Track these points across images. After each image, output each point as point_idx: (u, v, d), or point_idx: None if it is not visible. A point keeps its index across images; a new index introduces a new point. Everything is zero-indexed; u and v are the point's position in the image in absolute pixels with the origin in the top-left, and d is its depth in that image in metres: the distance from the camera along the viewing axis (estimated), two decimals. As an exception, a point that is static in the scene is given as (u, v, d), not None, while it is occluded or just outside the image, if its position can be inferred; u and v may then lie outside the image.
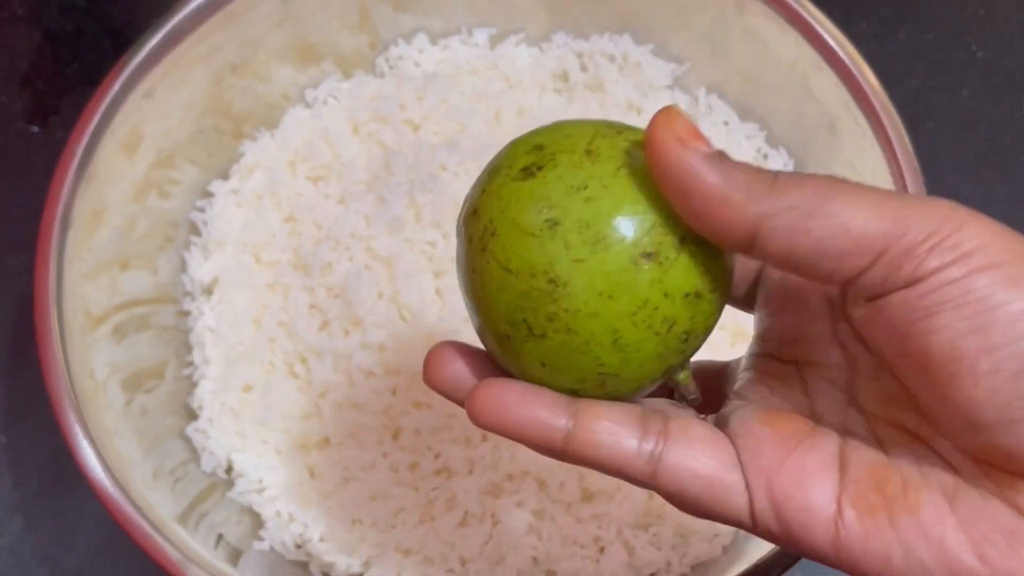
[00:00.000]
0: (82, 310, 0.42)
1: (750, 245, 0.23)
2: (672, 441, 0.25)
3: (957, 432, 0.23)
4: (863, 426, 0.25)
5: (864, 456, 0.25)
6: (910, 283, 0.22)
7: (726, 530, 0.43)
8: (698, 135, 0.23)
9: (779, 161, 0.50)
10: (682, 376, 0.27)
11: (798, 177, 0.23)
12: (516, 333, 0.25)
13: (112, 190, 0.44)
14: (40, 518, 0.49)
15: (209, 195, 0.50)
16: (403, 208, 0.45)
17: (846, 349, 0.26)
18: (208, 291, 0.49)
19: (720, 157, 0.23)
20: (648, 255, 0.24)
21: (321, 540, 0.45)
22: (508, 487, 0.43)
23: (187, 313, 0.49)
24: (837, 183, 0.22)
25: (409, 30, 0.52)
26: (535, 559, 0.43)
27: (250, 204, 0.50)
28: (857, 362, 0.26)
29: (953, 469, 0.24)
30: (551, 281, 0.24)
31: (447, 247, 0.44)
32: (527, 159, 0.25)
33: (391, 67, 0.52)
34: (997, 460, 0.23)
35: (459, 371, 0.27)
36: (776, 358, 0.28)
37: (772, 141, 0.50)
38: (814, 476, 0.24)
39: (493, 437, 0.43)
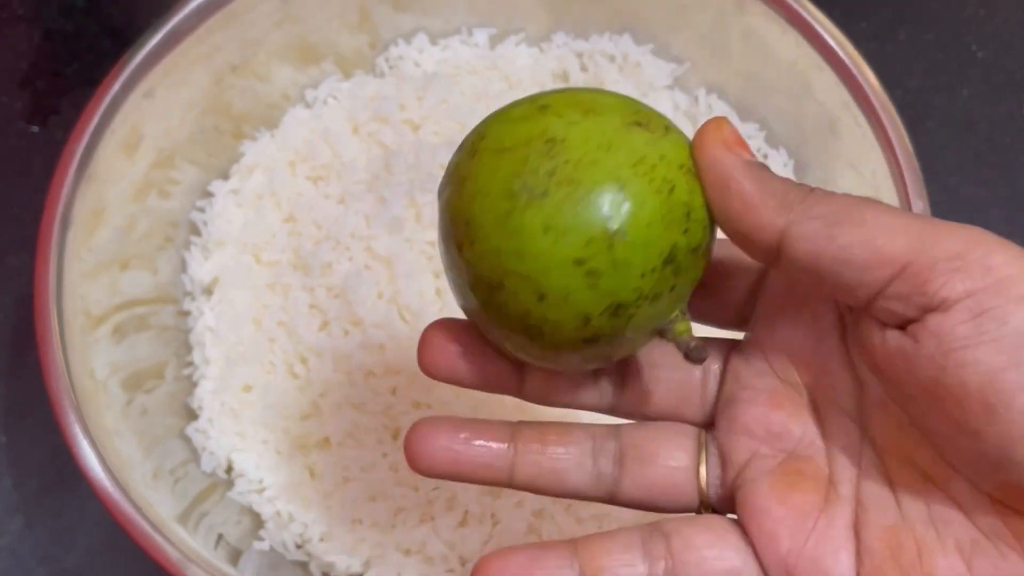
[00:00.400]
0: (82, 310, 0.42)
1: (777, 251, 0.23)
2: (678, 563, 0.25)
3: (982, 470, 0.22)
4: (876, 466, 0.25)
5: (878, 519, 0.24)
6: (940, 307, 0.21)
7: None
8: (743, 144, 0.24)
9: (779, 161, 0.50)
10: (681, 327, 0.26)
11: (832, 192, 0.23)
12: (516, 203, 0.24)
13: (112, 190, 0.44)
14: (40, 518, 0.49)
15: (209, 195, 0.50)
16: (403, 208, 0.45)
17: (855, 372, 0.26)
18: (208, 291, 0.49)
19: (761, 166, 0.24)
20: (639, 124, 0.25)
21: (321, 540, 0.45)
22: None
23: (187, 313, 0.49)
24: (869, 201, 0.23)
25: (409, 30, 0.52)
26: (535, 559, 0.43)
27: (250, 204, 0.50)
28: (866, 387, 0.25)
29: (969, 518, 0.23)
30: (548, 141, 0.24)
31: (447, 247, 0.44)
32: (523, 105, 0.26)
33: (391, 67, 0.52)
34: (1020, 503, 0.22)
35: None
36: (781, 379, 0.27)
37: (772, 141, 0.50)
38: (833, 559, 0.24)
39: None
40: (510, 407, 0.40)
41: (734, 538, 0.26)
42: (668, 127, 0.25)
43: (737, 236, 0.24)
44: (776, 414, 0.27)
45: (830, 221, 0.22)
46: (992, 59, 0.58)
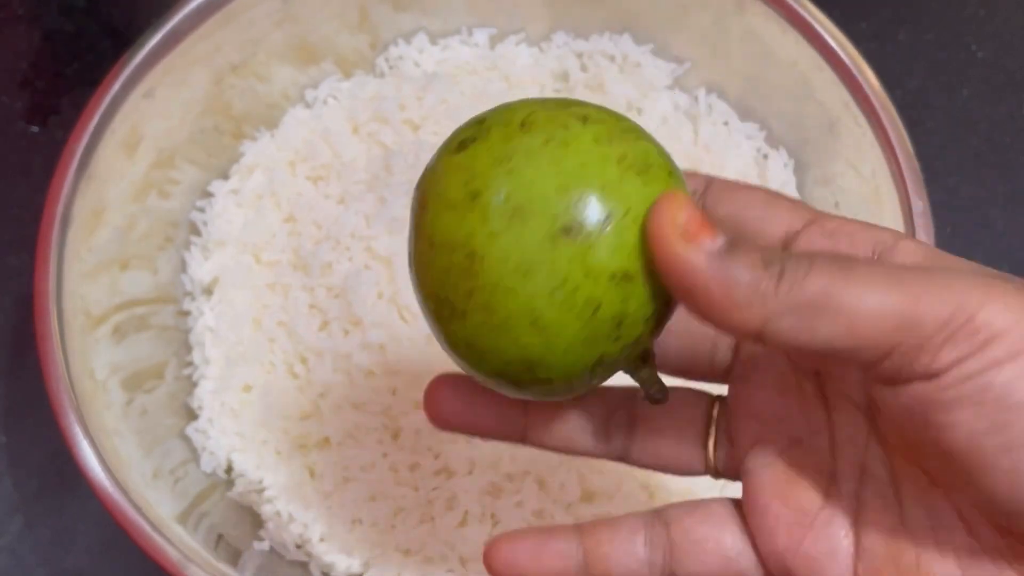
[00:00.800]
0: (82, 310, 0.42)
1: (757, 341, 0.22)
2: (676, 551, 0.26)
3: (976, 506, 0.22)
4: (881, 463, 0.25)
5: (880, 520, 0.24)
6: (927, 376, 0.21)
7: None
8: (703, 225, 0.22)
9: (779, 161, 0.50)
10: (644, 374, 0.25)
11: (804, 266, 0.21)
12: (441, 312, 0.24)
13: (112, 190, 0.44)
14: (40, 518, 0.49)
15: (209, 195, 0.50)
16: (403, 208, 0.45)
17: None
18: (208, 291, 0.49)
19: (726, 251, 0.22)
20: (567, 230, 0.22)
21: (321, 540, 0.45)
22: (508, 487, 0.43)
23: (187, 313, 0.49)
24: (844, 271, 0.21)
25: (409, 30, 0.52)
26: (535, 559, 0.43)
27: (250, 204, 0.50)
28: None
29: (970, 530, 0.23)
30: (468, 255, 0.23)
31: (447, 247, 0.44)
32: (465, 133, 0.24)
33: (391, 67, 0.52)
34: (1017, 536, 0.22)
35: (457, 405, 0.28)
36: (792, 363, 0.27)
37: (772, 141, 0.50)
38: (830, 559, 0.24)
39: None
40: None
41: (733, 527, 0.26)
42: (618, 188, 0.23)
43: (714, 328, 0.23)
44: (784, 399, 0.26)
45: (808, 314, 0.21)
46: (992, 59, 0.58)
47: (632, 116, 0.50)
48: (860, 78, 0.43)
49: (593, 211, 0.22)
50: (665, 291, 0.23)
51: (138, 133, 0.45)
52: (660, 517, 0.27)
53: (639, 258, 0.23)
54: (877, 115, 0.43)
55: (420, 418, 0.43)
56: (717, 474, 0.28)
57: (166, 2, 0.45)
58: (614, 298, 0.23)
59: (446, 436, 0.43)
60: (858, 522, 0.25)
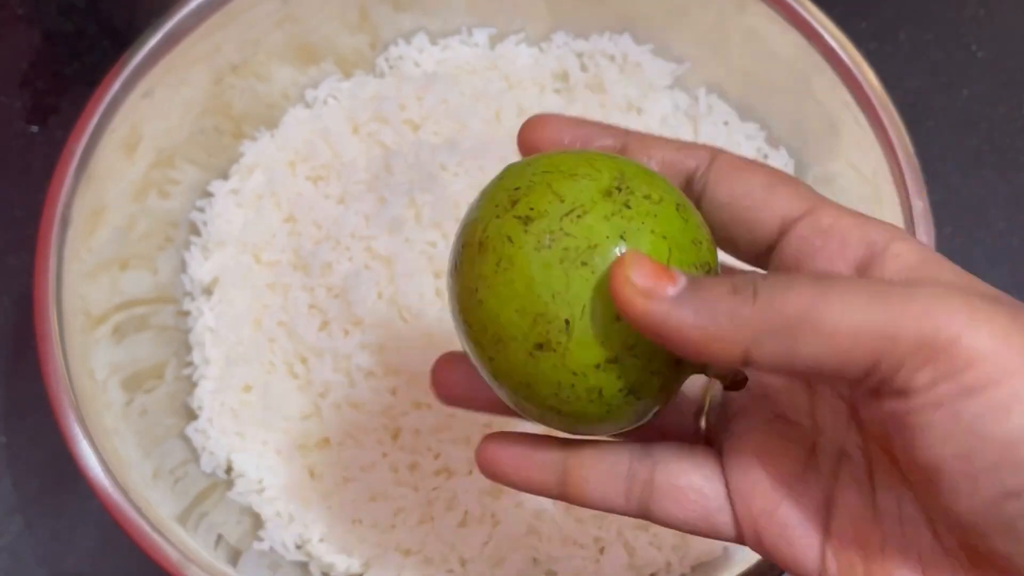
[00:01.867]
0: (82, 310, 0.42)
1: (744, 366, 0.22)
2: (656, 494, 0.26)
3: (939, 517, 0.23)
4: (858, 450, 0.25)
5: (851, 502, 0.25)
6: (902, 394, 0.21)
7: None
8: (660, 274, 0.22)
9: (779, 161, 0.50)
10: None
11: (780, 286, 0.22)
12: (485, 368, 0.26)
13: (112, 190, 0.44)
14: (40, 518, 0.49)
15: (209, 195, 0.50)
16: (403, 208, 0.45)
17: None
18: (208, 291, 0.49)
19: (692, 289, 0.22)
20: (540, 346, 0.24)
21: (321, 540, 0.45)
22: (508, 487, 0.43)
23: (187, 313, 0.49)
24: (821, 288, 0.21)
25: (409, 30, 0.52)
26: (535, 559, 0.43)
27: (250, 204, 0.50)
28: None
29: (934, 530, 0.23)
30: (484, 366, 0.25)
31: (447, 247, 0.44)
32: (454, 250, 0.26)
33: (391, 67, 0.52)
34: (974, 549, 0.22)
35: (462, 381, 0.29)
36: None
37: (772, 141, 0.50)
38: (802, 529, 0.25)
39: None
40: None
41: (717, 483, 0.26)
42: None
43: (702, 363, 0.24)
44: (770, 378, 0.27)
45: (788, 335, 0.21)
46: (992, 59, 0.58)
47: (632, 116, 0.50)
48: (860, 78, 0.43)
49: (551, 323, 0.24)
50: (653, 350, 0.24)
51: (138, 133, 0.45)
52: (649, 454, 0.27)
53: (616, 338, 0.24)
54: (877, 115, 0.43)
55: (420, 418, 0.43)
56: (707, 441, 0.28)
57: (166, 2, 0.45)
58: (612, 378, 0.24)
59: (446, 436, 0.43)
60: (832, 501, 0.25)
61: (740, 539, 0.26)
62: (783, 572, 0.37)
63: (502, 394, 0.26)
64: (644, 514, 0.27)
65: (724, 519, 0.26)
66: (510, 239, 0.24)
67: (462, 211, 0.44)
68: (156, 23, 0.44)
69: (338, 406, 0.44)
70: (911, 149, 0.42)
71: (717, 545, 0.43)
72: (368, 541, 0.44)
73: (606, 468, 0.27)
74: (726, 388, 0.27)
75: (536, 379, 0.24)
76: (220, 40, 0.46)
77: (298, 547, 0.45)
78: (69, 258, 0.41)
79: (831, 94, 0.44)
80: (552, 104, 0.51)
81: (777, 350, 0.21)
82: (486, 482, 0.43)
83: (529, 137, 0.28)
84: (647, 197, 0.24)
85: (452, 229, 0.44)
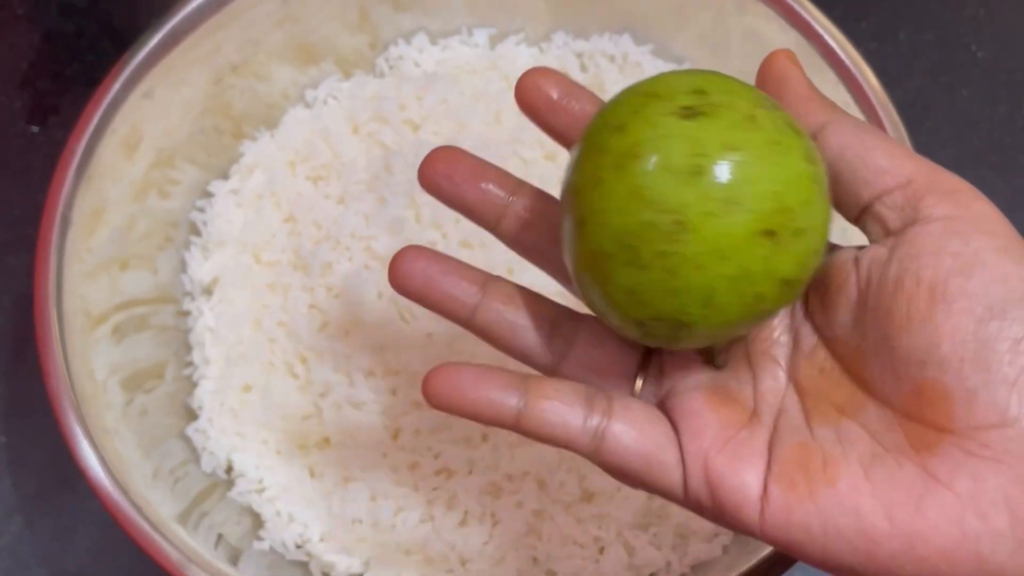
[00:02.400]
0: (82, 310, 0.42)
1: (813, 138, 0.27)
2: (614, 420, 0.27)
3: (905, 372, 0.25)
4: (796, 404, 0.28)
5: (791, 439, 0.27)
6: (922, 221, 0.26)
7: (726, 530, 0.43)
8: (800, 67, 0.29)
9: (779, 161, 0.50)
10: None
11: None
12: (619, 255, 0.26)
13: (112, 190, 0.44)
14: (40, 518, 0.49)
15: (209, 195, 0.50)
16: (403, 208, 0.45)
17: (795, 330, 0.29)
18: (208, 291, 0.49)
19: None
20: (769, 232, 0.25)
21: (321, 540, 0.45)
22: (508, 487, 0.43)
23: (187, 313, 0.49)
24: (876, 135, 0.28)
25: (409, 30, 0.52)
26: (535, 559, 0.43)
27: (250, 204, 0.50)
28: (800, 341, 0.28)
29: (874, 439, 0.26)
30: (677, 223, 0.25)
31: (447, 247, 0.44)
32: (689, 99, 0.26)
33: (391, 67, 0.52)
34: (929, 408, 0.25)
35: (425, 269, 0.30)
36: None
37: (772, 141, 0.50)
38: (747, 460, 0.26)
39: (493, 437, 0.43)
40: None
41: (666, 425, 0.28)
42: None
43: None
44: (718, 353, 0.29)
45: (863, 127, 0.27)
46: (992, 59, 0.58)
47: (632, 116, 0.50)
48: (860, 78, 0.43)
49: (791, 223, 0.25)
50: (798, 294, 0.27)
51: (138, 133, 0.45)
52: (604, 393, 0.28)
53: (808, 270, 0.26)
54: (877, 115, 0.43)
55: (420, 418, 0.43)
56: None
57: (166, 2, 0.45)
58: (773, 296, 0.26)
59: (446, 436, 0.43)
60: (773, 441, 0.27)
61: (684, 480, 0.27)
62: (784, 572, 0.37)
63: (671, 250, 0.25)
64: (596, 446, 0.27)
65: (670, 457, 0.27)
66: (786, 133, 0.26)
67: (462, 211, 0.44)
68: (156, 23, 0.44)
69: (338, 406, 0.44)
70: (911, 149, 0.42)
71: (717, 545, 0.43)
72: (368, 541, 0.44)
73: (568, 392, 0.28)
74: (708, 363, 0.29)
75: (737, 256, 0.25)
76: (220, 40, 0.46)
77: (298, 547, 0.45)
78: (69, 258, 0.41)
79: (831, 94, 0.44)
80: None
81: (849, 130, 0.27)
82: (486, 482, 0.43)
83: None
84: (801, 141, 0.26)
85: (452, 229, 0.44)
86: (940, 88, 0.57)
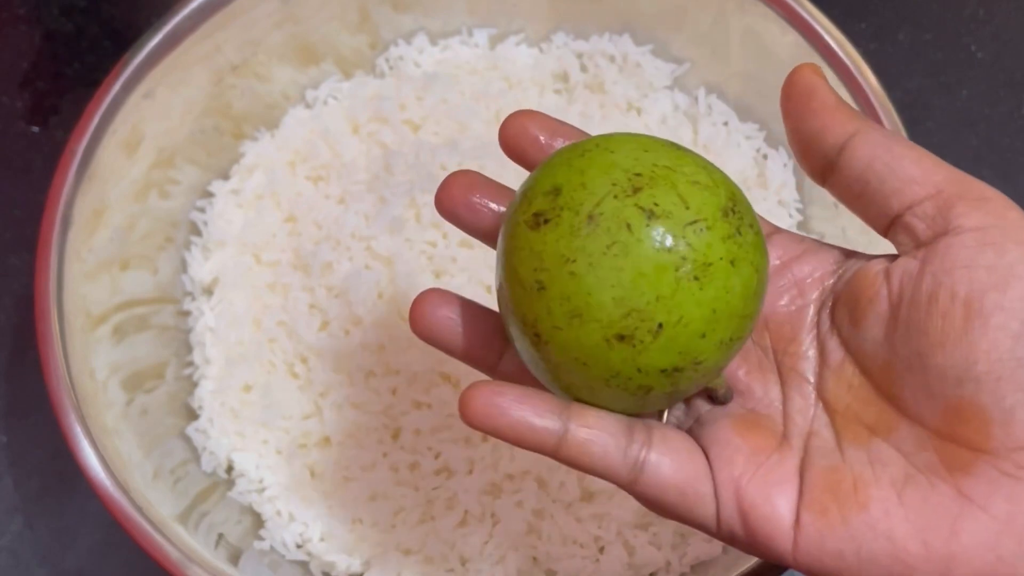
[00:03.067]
0: (82, 310, 0.42)
1: (837, 153, 0.26)
2: (654, 451, 0.27)
3: (940, 391, 0.24)
4: (827, 425, 0.27)
5: (822, 463, 0.26)
6: (953, 232, 0.25)
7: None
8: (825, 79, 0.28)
9: (779, 161, 0.50)
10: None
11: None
12: (522, 345, 0.26)
13: (112, 190, 0.44)
14: (40, 518, 0.49)
15: (209, 195, 0.50)
16: (403, 208, 0.45)
17: (822, 344, 0.28)
18: (208, 291, 0.49)
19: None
20: (621, 337, 0.24)
21: (321, 540, 0.45)
22: (508, 487, 0.43)
23: (187, 313, 0.49)
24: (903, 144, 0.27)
25: (409, 30, 0.52)
26: (535, 559, 0.43)
27: (250, 204, 0.50)
28: (828, 356, 0.28)
29: (907, 459, 0.25)
30: (536, 335, 0.25)
31: (447, 247, 0.44)
32: (541, 203, 0.25)
33: (391, 67, 0.52)
34: (964, 428, 0.24)
35: (447, 317, 0.29)
36: (754, 341, 0.29)
37: (772, 141, 0.50)
38: (778, 488, 0.26)
39: (493, 437, 0.43)
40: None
41: (702, 456, 0.27)
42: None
43: (809, 135, 0.27)
44: (742, 373, 0.29)
45: (891, 137, 0.26)
46: (992, 59, 0.58)
47: (632, 116, 0.50)
48: (860, 78, 0.43)
49: (645, 323, 0.24)
50: (714, 366, 0.26)
51: (138, 133, 0.45)
52: (644, 423, 0.28)
53: (693, 352, 0.25)
54: (877, 115, 0.43)
55: (420, 418, 0.43)
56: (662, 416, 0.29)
57: (166, 2, 0.45)
58: (664, 384, 0.25)
59: (446, 436, 0.43)
60: (804, 465, 0.26)
61: (717, 511, 0.26)
62: (782, 573, 0.37)
63: (538, 356, 0.26)
64: (633, 479, 0.27)
65: (706, 488, 0.27)
66: (629, 227, 0.24)
67: (462, 211, 0.44)
68: (157, 23, 0.44)
69: (338, 406, 0.44)
70: (911, 149, 0.42)
71: (717, 545, 0.43)
72: (368, 540, 0.44)
73: (610, 424, 0.27)
74: (715, 403, 0.29)
75: (598, 363, 0.25)
76: (220, 40, 0.46)
77: (298, 546, 0.45)
78: (70, 258, 0.41)
79: (831, 94, 0.44)
80: (552, 104, 0.51)
81: (878, 140, 0.26)
82: (486, 482, 0.43)
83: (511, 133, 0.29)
84: (751, 226, 0.26)
85: (452, 229, 0.44)
86: (940, 88, 0.57)
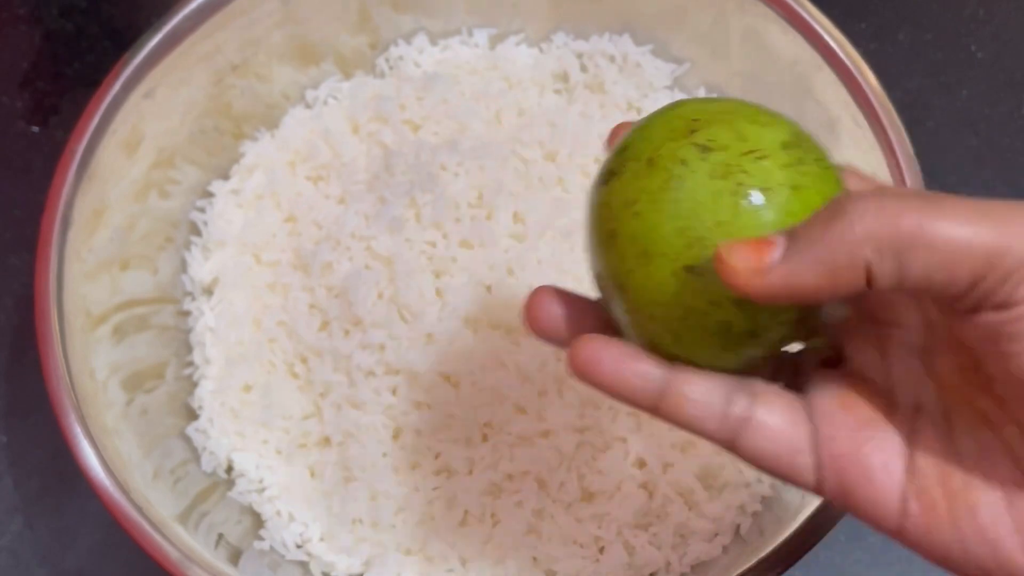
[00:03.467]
0: (82, 310, 0.42)
1: (868, 287, 0.23)
2: (755, 417, 0.26)
3: None
4: (935, 401, 0.26)
5: (932, 445, 0.26)
6: (1002, 307, 0.22)
7: (726, 530, 0.43)
8: (759, 247, 0.23)
9: (779, 161, 0.50)
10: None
11: (892, 197, 0.23)
12: (611, 306, 0.27)
13: (112, 190, 0.44)
14: (40, 518, 0.49)
15: (209, 195, 0.50)
16: (403, 208, 0.45)
17: (925, 314, 0.27)
18: (208, 291, 0.49)
19: (793, 238, 0.23)
20: (690, 269, 0.25)
21: (321, 540, 0.45)
22: (508, 487, 0.43)
23: (187, 313, 0.49)
24: (933, 203, 0.22)
25: (409, 30, 0.52)
26: (535, 559, 0.43)
27: (250, 204, 0.50)
28: (935, 327, 0.26)
29: (1016, 463, 0.24)
30: (616, 285, 0.26)
31: (447, 247, 0.44)
32: (612, 162, 0.26)
33: (391, 67, 0.52)
34: None
35: (558, 315, 0.28)
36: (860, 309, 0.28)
37: (772, 141, 0.50)
38: (883, 471, 0.26)
39: (493, 437, 0.43)
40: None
41: (804, 427, 0.27)
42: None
43: (833, 295, 0.24)
44: (846, 344, 0.28)
45: (905, 249, 0.22)
46: (992, 59, 0.58)
47: (632, 116, 0.50)
48: (860, 78, 0.43)
49: (708, 250, 0.24)
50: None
51: (138, 133, 0.45)
52: (749, 387, 0.27)
53: None
54: (877, 115, 0.43)
55: (420, 418, 0.43)
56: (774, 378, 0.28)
57: (166, 2, 0.45)
58: (743, 317, 0.25)
59: (446, 436, 0.43)
60: (912, 444, 0.26)
61: (817, 483, 0.26)
62: (784, 572, 0.37)
63: (622, 308, 0.26)
64: (731, 442, 0.27)
65: (805, 460, 0.26)
66: (684, 162, 0.25)
67: (462, 211, 0.44)
68: (157, 23, 0.44)
69: (338, 406, 0.44)
70: (910, 149, 0.42)
71: (717, 545, 0.43)
72: (368, 540, 0.44)
73: (709, 389, 0.27)
74: (823, 363, 0.28)
75: (672, 300, 0.25)
76: (220, 40, 0.46)
77: (298, 546, 0.45)
78: (70, 258, 0.41)
79: (830, 94, 0.44)
80: (552, 104, 0.51)
81: (893, 264, 0.22)
82: (486, 482, 0.43)
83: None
84: (818, 160, 0.26)
85: (452, 229, 0.44)
86: (940, 88, 0.57)
